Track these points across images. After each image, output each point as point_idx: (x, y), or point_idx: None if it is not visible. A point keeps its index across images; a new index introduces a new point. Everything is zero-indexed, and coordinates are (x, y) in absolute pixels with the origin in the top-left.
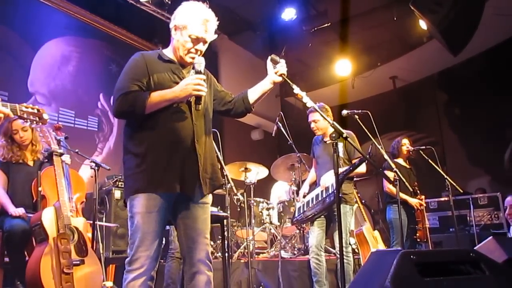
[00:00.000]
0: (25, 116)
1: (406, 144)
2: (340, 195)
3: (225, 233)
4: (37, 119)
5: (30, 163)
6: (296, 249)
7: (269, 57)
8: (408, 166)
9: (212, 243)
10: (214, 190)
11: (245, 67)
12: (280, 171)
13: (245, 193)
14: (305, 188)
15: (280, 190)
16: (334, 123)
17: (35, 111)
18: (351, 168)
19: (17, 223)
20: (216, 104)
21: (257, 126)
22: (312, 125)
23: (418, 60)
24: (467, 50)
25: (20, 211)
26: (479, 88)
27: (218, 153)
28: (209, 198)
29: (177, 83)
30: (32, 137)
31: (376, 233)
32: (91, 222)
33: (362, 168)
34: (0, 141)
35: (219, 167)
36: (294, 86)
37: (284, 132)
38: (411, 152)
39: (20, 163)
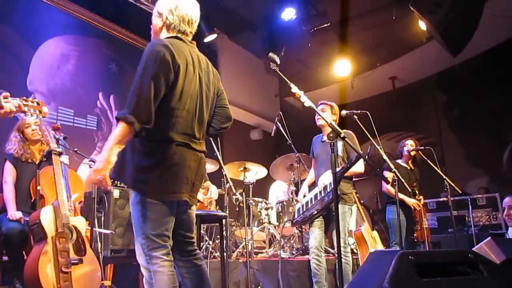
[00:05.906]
0: (26, 109)
1: (407, 145)
2: (339, 193)
3: (224, 232)
4: (38, 112)
5: (37, 162)
6: (294, 249)
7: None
8: (409, 167)
9: (210, 242)
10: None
11: (245, 67)
12: (279, 171)
13: (244, 193)
14: (304, 189)
15: (278, 190)
16: (332, 123)
17: (35, 104)
18: (348, 166)
19: (13, 226)
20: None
21: (256, 126)
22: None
23: (418, 60)
24: (466, 50)
25: (17, 215)
26: (478, 88)
27: (218, 153)
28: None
29: None
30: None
31: (375, 233)
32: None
33: (360, 168)
34: (14, 136)
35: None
36: (292, 85)
37: (283, 132)
38: (410, 153)
39: (29, 162)
